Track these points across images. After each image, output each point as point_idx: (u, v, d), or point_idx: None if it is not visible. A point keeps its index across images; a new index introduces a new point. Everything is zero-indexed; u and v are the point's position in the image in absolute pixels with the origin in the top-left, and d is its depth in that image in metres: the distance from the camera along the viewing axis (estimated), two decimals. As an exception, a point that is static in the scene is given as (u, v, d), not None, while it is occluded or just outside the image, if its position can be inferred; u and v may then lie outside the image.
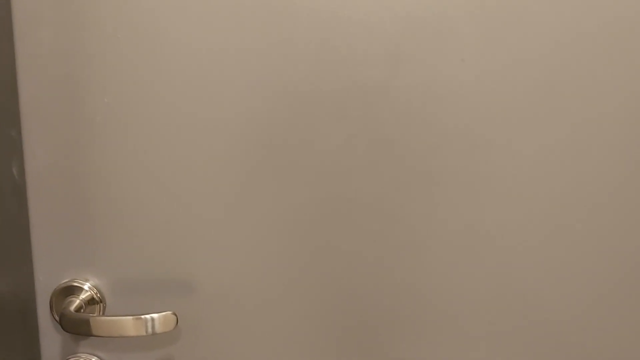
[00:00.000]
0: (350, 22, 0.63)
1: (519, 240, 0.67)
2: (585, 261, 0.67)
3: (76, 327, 0.62)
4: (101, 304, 0.68)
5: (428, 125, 0.65)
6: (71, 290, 0.68)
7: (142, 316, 0.61)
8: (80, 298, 0.67)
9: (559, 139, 0.65)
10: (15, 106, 0.64)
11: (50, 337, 0.70)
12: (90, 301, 0.68)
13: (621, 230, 0.67)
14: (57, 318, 0.68)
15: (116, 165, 0.66)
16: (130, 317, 0.61)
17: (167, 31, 0.63)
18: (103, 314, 0.68)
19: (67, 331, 0.62)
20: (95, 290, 0.68)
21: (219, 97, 0.65)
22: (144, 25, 0.63)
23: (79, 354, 0.70)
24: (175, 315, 0.61)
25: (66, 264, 0.68)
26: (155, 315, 0.61)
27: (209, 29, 0.63)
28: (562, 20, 0.63)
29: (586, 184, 0.66)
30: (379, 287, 0.69)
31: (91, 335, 0.61)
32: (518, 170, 0.66)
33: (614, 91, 0.64)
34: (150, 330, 0.60)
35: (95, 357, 0.70)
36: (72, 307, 0.65)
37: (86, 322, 0.61)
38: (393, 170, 0.66)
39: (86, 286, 0.68)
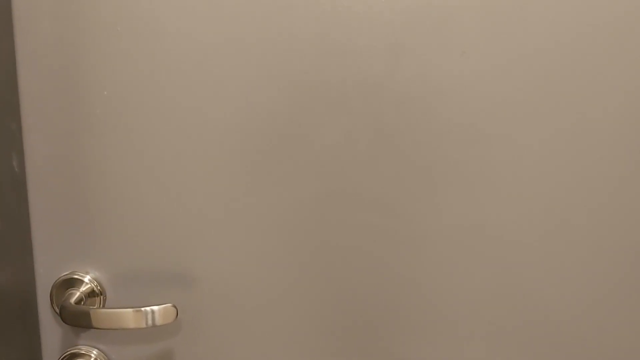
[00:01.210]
0: (350, 14, 0.63)
1: (520, 236, 0.67)
2: (586, 259, 0.67)
3: (76, 320, 0.62)
4: (101, 297, 0.68)
5: (429, 119, 0.65)
6: (71, 283, 0.68)
7: (142, 308, 0.61)
8: (81, 290, 0.67)
9: (560, 133, 0.65)
10: (16, 99, 0.64)
11: (50, 330, 0.70)
12: (91, 293, 0.68)
13: (623, 227, 0.67)
14: (58, 310, 0.68)
15: (116, 158, 0.66)
16: (130, 310, 0.61)
17: (167, 24, 0.63)
18: (103, 307, 0.69)
19: (67, 323, 0.62)
20: (95, 283, 0.68)
21: (219, 90, 0.65)
22: (144, 18, 0.63)
23: (79, 346, 0.70)
24: (175, 307, 0.62)
25: (66, 256, 0.68)
26: (155, 308, 0.61)
27: (208, 22, 0.63)
28: (565, 13, 0.62)
29: (588, 180, 0.66)
30: (380, 284, 0.69)
31: (91, 327, 0.61)
32: (519, 165, 0.66)
33: (616, 85, 0.64)
34: (150, 322, 0.61)
35: (96, 349, 0.70)
36: (73, 300, 0.65)
37: (86, 315, 0.61)
38: (394, 164, 0.66)
39: (86, 279, 0.68)
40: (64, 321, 0.62)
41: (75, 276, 0.68)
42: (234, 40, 0.64)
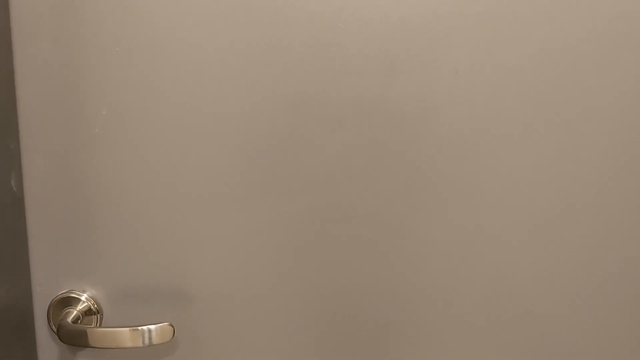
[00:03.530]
0: (346, 33, 0.64)
1: (513, 247, 0.68)
2: (580, 266, 0.68)
3: (74, 339, 0.62)
4: (98, 315, 0.68)
5: (423, 135, 0.66)
6: (68, 301, 0.68)
7: (139, 327, 0.61)
8: (78, 309, 0.67)
9: (552, 148, 0.66)
10: (14, 119, 0.65)
11: (47, 348, 0.70)
12: (88, 312, 0.68)
13: (612, 234, 0.68)
14: (55, 329, 0.68)
15: (113, 177, 0.66)
16: (127, 329, 0.61)
17: (165, 44, 0.64)
18: (100, 325, 0.69)
19: (64, 342, 0.62)
20: (92, 301, 0.68)
21: (216, 109, 0.65)
22: (142, 38, 0.64)
23: (76, 365, 0.70)
24: (172, 326, 0.62)
25: (64, 275, 0.68)
26: (152, 327, 0.61)
27: (207, 43, 0.64)
28: (558, 32, 0.63)
29: (577, 191, 0.67)
30: (376, 295, 0.69)
31: (88, 346, 0.61)
32: (511, 179, 0.66)
33: (609, 99, 0.65)
34: (147, 341, 0.61)
35: (93, 368, 0.70)
36: (70, 318, 0.65)
37: (84, 334, 0.61)
38: (388, 179, 0.66)
39: (83, 297, 0.68)
40: (61, 340, 0.62)
41: (73, 294, 0.68)
42: (232, 62, 0.64)
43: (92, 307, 0.68)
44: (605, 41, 0.64)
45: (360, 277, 0.69)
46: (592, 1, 0.63)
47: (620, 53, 0.64)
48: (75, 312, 0.67)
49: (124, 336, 0.61)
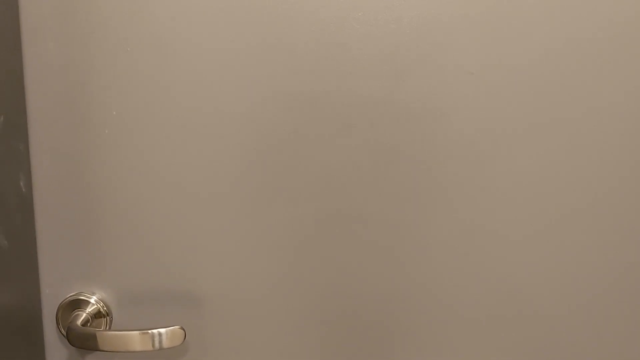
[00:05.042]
0: (357, 34, 0.63)
1: (519, 249, 0.67)
2: (584, 266, 0.68)
3: (83, 342, 0.61)
4: (107, 318, 0.68)
5: (431, 137, 0.65)
6: (77, 304, 0.67)
7: (149, 331, 0.60)
8: (87, 312, 0.67)
9: (560, 150, 0.65)
10: (24, 120, 0.64)
11: (56, 351, 0.69)
12: (97, 315, 0.67)
13: (617, 235, 0.67)
14: (64, 332, 0.67)
15: (123, 179, 0.66)
16: (137, 332, 0.60)
17: (175, 45, 0.63)
18: (109, 328, 0.68)
19: (74, 346, 0.62)
20: (101, 304, 0.68)
21: (226, 112, 0.65)
22: (151, 38, 0.63)
23: (85, 368, 0.70)
24: (183, 329, 0.61)
25: (72, 277, 0.68)
26: (162, 330, 0.60)
27: (216, 44, 0.63)
28: (566, 34, 0.63)
29: (584, 192, 0.66)
30: (382, 295, 0.69)
31: (98, 350, 0.61)
32: (520, 181, 0.66)
33: (619, 102, 0.64)
34: (157, 345, 0.60)
35: (102, 371, 0.70)
36: (79, 321, 0.65)
37: (93, 337, 0.61)
38: (394, 181, 0.66)
39: (93, 299, 0.68)
40: (70, 343, 0.62)
41: (82, 297, 0.67)
42: (241, 61, 0.64)
43: (101, 309, 0.68)
44: (616, 40, 0.63)
45: (367, 278, 0.68)
46: (598, 1, 0.62)
47: (634, 53, 0.63)
48: (84, 315, 0.66)
49: (134, 340, 0.60)
